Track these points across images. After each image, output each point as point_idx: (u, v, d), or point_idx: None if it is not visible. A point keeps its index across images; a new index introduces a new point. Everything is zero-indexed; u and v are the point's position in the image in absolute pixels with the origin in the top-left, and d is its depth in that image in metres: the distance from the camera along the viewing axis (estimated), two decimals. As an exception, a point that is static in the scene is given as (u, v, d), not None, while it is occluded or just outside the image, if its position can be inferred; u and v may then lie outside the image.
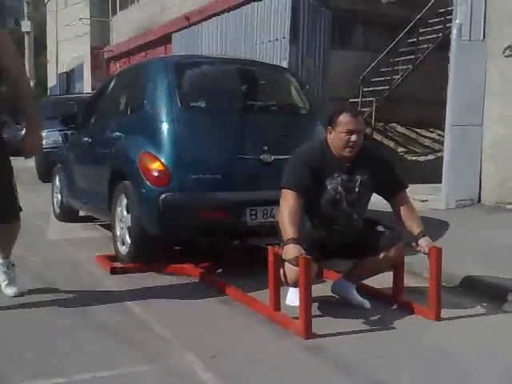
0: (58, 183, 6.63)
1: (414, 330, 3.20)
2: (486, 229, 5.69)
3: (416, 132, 13.36)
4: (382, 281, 3.67)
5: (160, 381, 2.54)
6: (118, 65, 21.50)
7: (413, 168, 10.02)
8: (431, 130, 13.16)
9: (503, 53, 6.67)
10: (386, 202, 3.57)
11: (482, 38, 6.85)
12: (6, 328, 3.14)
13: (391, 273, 3.57)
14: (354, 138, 3.30)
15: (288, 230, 3.12)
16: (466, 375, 2.63)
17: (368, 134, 11.41)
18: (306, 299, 3.02)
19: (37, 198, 8.23)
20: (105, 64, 23.19)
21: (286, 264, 3.18)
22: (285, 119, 4.78)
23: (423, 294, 3.49)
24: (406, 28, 12.03)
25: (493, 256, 4.51)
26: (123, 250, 4.52)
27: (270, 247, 3.31)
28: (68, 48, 26.45)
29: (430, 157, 11.67)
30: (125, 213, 4.47)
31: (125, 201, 4.46)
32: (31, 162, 11.12)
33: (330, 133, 3.38)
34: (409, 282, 3.76)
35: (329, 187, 3.35)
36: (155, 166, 4.17)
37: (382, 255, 3.40)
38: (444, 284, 3.57)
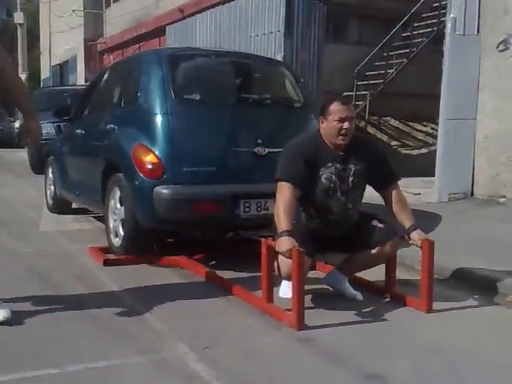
0: (51, 175, 6.62)
1: (406, 322, 3.22)
2: (478, 222, 5.72)
3: (410, 126, 13.39)
4: (375, 273, 3.69)
5: (153, 372, 2.55)
6: (111, 57, 21.41)
7: (406, 161, 10.05)
8: (425, 123, 13.19)
9: (497, 47, 6.69)
10: (378, 194, 3.58)
11: (476, 32, 6.87)
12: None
13: (383, 265, 3.59)
14: (346, 125, 3.32)
15: (282, 222, 3.13)
16: (457, 367, 2.64)
17: (361, 127, 11.44)
18: (299, 291, 3.03)
19: (29, 190, 8.23)
20: (98, 56, 23.08)
21: (280, 257, 3.19)
22: (279, 112, 4.79)
23: (415, 287, 3.52)
24: (400, 22, 12.03)
25: (484, 249, 4.54)
26: (116, 242, 4.53)
27: (263, 240, 3.32)
28: (61, 40, 26.29)
29: (424, 150, 11.70)
30: (118, 205, 4.47)
31: (118, 193, 4.46)
32: (24, 154, 11.09)
33: (323, 122, 3.41)
34: (400, 274, 3.78)
35: (323, 177, 3.36)
36: (149, 159, 4.17)
37: (377, 249, 3.41)
38: (435, 276, 3.59)
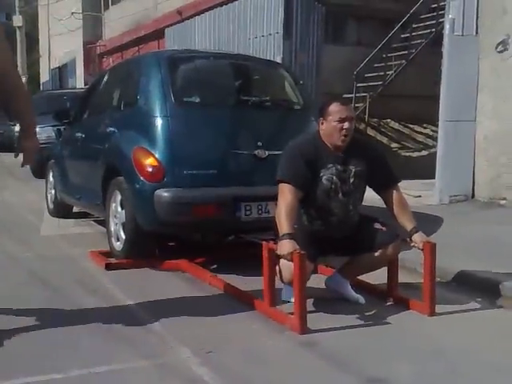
0: (51, 179, 6.61)
1: (409, 325, 3.21)
2: (479, 224, 5.71)
3: (409, 128, 13.37)
4: (377, 276, 3.68)
5: (156, 376, 2.55)
6: (110, 60, 21.42)
7: (406, 164, 10.04)
8: (425, 125, 13.16)
9: (496, 48, 6.69)
10: (379, 197, 3.58)
11: (474, 32, 6.87)
12: (1, 325, 3.12)
13: (385, 268, 3.58)
14: (346, 125, 3.32)
15: (284, 225, 3.12)
16: (461, 370, 2.64)
17: (361, 130, 11.43)
18: (301, 295, 3.03)
19: (30, 194, 8.22)
20: (97, 59, 23.08)
21: (281, 260, 3.18)
22: (279, 114, 4.79)
23: (417, 289, 3.51)
24: (399, 23, 12.02)
25: (486, 251, 4.53)
26: (117, 245, 4.52)
27: (264, 243, 3.31)
28: (60, 43, 26.29)
29: (424, 152, 11.68)
30: (119, 208, 4.47)
31: (119, 196, 4.45)
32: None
33: (322, 123, 3.40)
34: (402, 277, 3.77)
35: (324, 178, 3.36)
36: (149, 162, 4.16)
37: (379, 252, 3.41)
38: (437, 279, 3.58)
